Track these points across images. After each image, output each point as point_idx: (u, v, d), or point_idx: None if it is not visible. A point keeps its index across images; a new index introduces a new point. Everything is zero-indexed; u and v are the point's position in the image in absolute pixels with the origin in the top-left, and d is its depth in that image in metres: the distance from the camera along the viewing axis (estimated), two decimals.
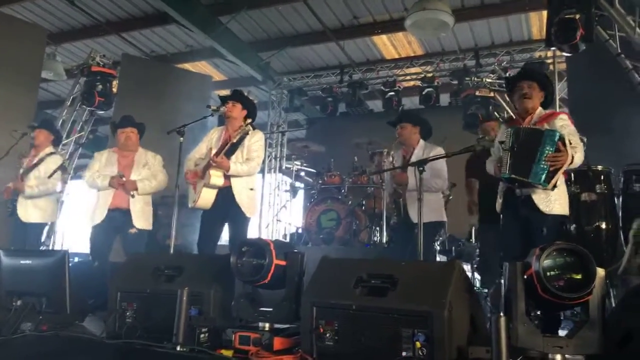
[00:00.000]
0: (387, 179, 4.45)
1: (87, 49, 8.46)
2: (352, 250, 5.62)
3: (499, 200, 3.52)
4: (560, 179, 3.25)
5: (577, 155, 3.22)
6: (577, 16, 4.65)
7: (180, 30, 8.34)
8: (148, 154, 4.62)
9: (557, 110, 6.99)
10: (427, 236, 3.96)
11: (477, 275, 6.27)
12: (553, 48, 5.71)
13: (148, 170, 4.51)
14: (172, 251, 4.04)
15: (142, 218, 4.42)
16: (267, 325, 2.65)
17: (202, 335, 2.57)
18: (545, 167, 3.12)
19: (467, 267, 6.29)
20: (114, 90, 7.97)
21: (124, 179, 4.38)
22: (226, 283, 2.82)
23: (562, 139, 3.12)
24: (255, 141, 4.12)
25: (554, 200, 3.26)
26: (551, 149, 3.11)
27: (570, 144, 3.20)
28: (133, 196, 4.36)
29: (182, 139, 4.10)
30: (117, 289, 3.01)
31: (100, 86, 7.56)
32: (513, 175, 3.20)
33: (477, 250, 6.24)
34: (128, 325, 2.77)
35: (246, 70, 9.09)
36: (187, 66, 9.50)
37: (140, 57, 8.99)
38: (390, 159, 4.44)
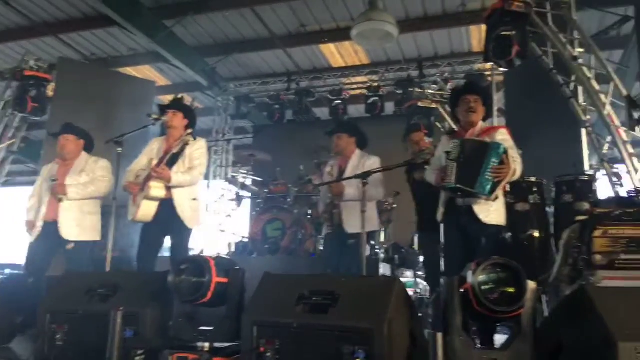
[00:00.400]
0: (323, 190, 4.42)
1: (22, 51, 8.04)
2: (297, 260, 5.58)
3: (441, 210, 3.60)
4: (501, 190, 3.37)
5: (517, 168, 3.36)
6: (513, 33, 4.84)
7: (122, 33, 8.09)
8: (90, 159, 4.38)
9: (495, 121, 7.28)
10: (363, 245, 4.00)
11: (419, 281, 6.41)
12: (491, 63, 5.92)
13: (87, 176, 4.26)
14: (108, 265, 3.87)
15: (79, 228, 4.15)
16: (206, 345, 2.58)
17: (137, 358, 2.48)
18: (490, 178, 3.22)
19: (409, 274, 6.42)
20: (50, 94, 7.60)
21: (54, 182, 4.11)
22: (164, 302, 2.74)
23: (506, 152, 3.24)
24: (197, 149, 4.03)
25: (493, 211, 3.37)
26: (496, 162, 3.22)
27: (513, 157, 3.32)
28: (61, 200, 4.10)
29: (120, 149, 3.96)
30: (46, 310, 2.85)
31: (33, 91, 7.18)
32: (459, 185, 3.27)
33: (421, 258, 6.40)
34: (58, 349, 2.63)
35: (191, 75, 8.93)
36: (130, 70, 9.22)
37: (79, 61, 8.65)
38: (329, 169, 4.44)
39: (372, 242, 5.03)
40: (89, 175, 4.27)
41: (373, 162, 4.24)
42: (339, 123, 5.31)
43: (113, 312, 2.43)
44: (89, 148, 4.47)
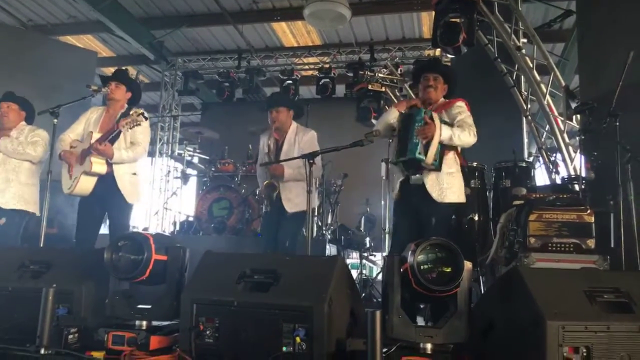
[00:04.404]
0: (260, 168, 4.18)
1: None
2: (243, 240, 5.54)
3: (396, 190, 3.54)
4: (455, 166, 3.36)
5: (463, 133, 3.29)
6: (461, 20, 4.92)
7: None
8: (26, 127, 4.16)
9: None
10: (298, 224, 3.95)
11: (365, 262, 6.52)
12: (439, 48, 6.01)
13: (19, 145, 4.03)
14: (42, 241, 3.70)
15: (15, 197, 3.94)
16: (144, 323, 2.52)
17: (70, 337, 2.39)
18: (417, 141, 3.18)
19: (355, 255, 6.53)
20: None
21: None
22: (100, 279, 2.64)
23: (428, 113, 3.22)
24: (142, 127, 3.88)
25: (446, 188, 3.30)
26: (419, 124, 3.20)
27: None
28: None
29: (56, 120, 3.77)
30: None
31: None
32: (399, 159, 3.28)
33: (367, 239, 6.51)
34: None
35: (137, 47, 8.60)
36: (71, 39, 8.78)
37: (14, 27, 8.13)
38: (263, 145, 4.20)
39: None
40: (22, 143, 4.06)
41: (310, 137, 4.08)
42: (277, 96, 4.68)
43: (44, 290, 2.33)
44: (29, 120, 4.25)
